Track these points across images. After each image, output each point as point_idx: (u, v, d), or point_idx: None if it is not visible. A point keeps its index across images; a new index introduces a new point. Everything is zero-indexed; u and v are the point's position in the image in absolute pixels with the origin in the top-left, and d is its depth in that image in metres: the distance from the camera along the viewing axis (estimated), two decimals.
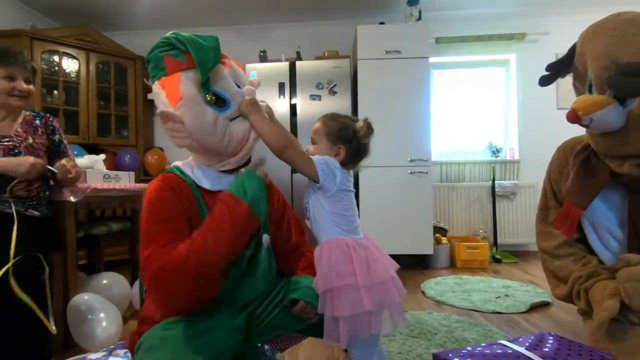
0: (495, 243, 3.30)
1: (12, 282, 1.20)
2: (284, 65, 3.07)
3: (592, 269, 0.97)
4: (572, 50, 0.96)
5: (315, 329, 1.04)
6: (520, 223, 3.42)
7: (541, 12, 3.48)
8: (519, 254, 3.31)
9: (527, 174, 3.45)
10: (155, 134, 3.80)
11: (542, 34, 3.45)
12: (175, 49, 0.87)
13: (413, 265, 2.98)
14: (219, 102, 0.89)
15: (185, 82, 0.84)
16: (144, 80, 3.49)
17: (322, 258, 0.95)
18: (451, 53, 3.58)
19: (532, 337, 0.93)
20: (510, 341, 0.93)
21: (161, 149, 3.61)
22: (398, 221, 2.92)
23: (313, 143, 1.07)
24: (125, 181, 1.93)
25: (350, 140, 1.01)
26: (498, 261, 3.15)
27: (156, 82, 0.88)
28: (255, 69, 3.05)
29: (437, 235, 3.10)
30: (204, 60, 0.85)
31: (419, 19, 3.10)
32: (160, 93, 0.87)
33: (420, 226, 2.93)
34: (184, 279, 0.75)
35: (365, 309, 0.87)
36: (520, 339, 0.93)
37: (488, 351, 0.86)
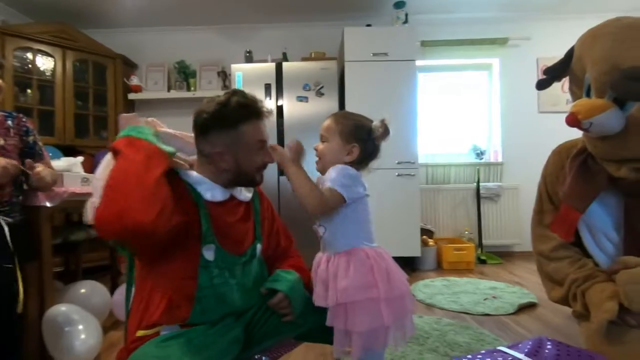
0: (480, 244, 3.34)
1: None
2: (270, 66, 3.02)
3: (588, 271, 0.97)
4: (570, 55, 0.96)
5: (312, 334, 1.03)
6: (504, 224, 3.47)
7: (523, 17, 3.56)
8: (503, 255, 3.36)
9: (510, 176, 3.51)
10: None
11: (523, 39, 3.52)
12: None
13: (401, 268, 2.97)
14: None
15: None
16: (124, 79, 3.38)
17: (338, 270, 0.91)
18: (436, 56, 3.61)
19: (531, 343, 0.92)
20: (509, 347, 0.91)
21: None
22: (385, 223, 2.91)
23: (323, 141, 1.03)
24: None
25: (364, 139, 0.98)
26: (483, 262, 3.19)
27: None
28: (241, 70, 2.99)
29: (424, 237, 3.10)
30: None
31: (406, 21, 3.11)
32: None
33: (408, 228, 2.93)
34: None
35: (384, 324, 0.84)
36: (520, 345, 0.92)
37: (489, 359, 0.85)
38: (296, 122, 2.95)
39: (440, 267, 3.04)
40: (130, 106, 3.55)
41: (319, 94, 2.97)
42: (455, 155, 3.68)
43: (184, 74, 3.54)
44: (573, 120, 0.82)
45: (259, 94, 2.95)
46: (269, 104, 2.97)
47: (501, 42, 3.55)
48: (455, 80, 3.79)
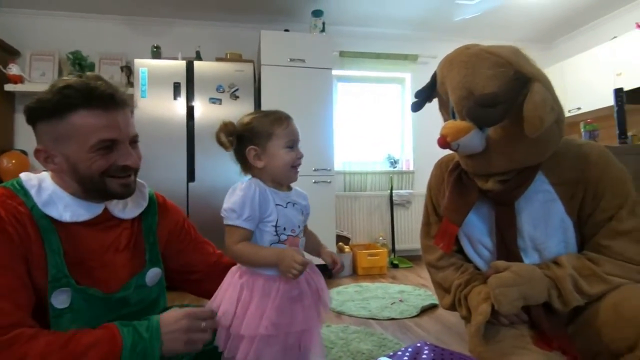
0: (393, 249, 3.47)
1: None
2: (181, 64, 2.81)
3: (468, 275, 1.01)
4: (434, 78, 1.01)
5: None
6: (415, 229, 3.67)
7: (431, 37, 3.84)
8: (413, 259, 3.54)
9: (421, 183, 3.73)
10: (16, 133, 3.14)
11: (431, 57, 3.80)
12: None
13: None
14: None
15: None
16: (0, 67, 2.87)
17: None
18: (354, 67, 3.72)
19: (410, 350, 0.92)
20: (389, 357, 0.90)
21: (23, 152, 2.99)
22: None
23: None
24: None
25: None
26: (395, 266, 3.32)
27: None
28: (146, 66, 2.73)
29: (340, 243, 3.13)
30: None
31: (323, 30, 3.15)
32: None
33: (324, 235, 2.88)
34: None
35: None
36: (399, 353, 0.92)
37: None
38: (208, 124, 2.77)
39: (355, 273, 3.09)
40: (8, 99, 3.03)
41: (234, 96, 2.84)
42: (372, 163, 3.81)
43: (80, 66, 3.12)
44: (443, 143, 0.88)
45: (166, 93, 2.75)
46: (179, 104, 2.76)
47: (412, 58, 3.79)
48: (372, 92, 3.95)
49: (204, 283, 0.99)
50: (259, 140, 0.84)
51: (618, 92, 1.89)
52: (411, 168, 3.81)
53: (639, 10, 3.26)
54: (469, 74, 0.85)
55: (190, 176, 2.70)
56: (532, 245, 0.90)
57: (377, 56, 3.72)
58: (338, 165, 3.55)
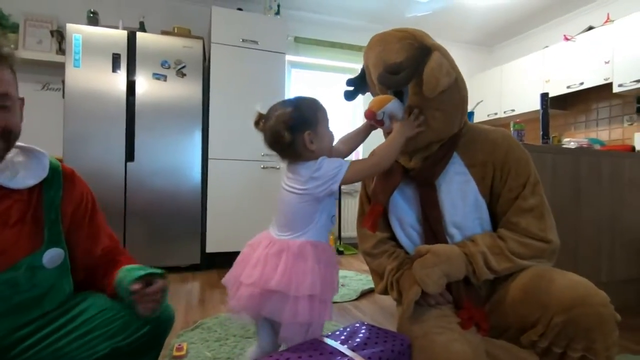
0: (339, 236, 3.56)
1: None
2: (121, 34, 2.60)
3: (400, 260, 1.06)
4: (364, 69, 1.09)
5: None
6: None
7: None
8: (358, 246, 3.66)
9: None
10: None
11: None
12: None
13: None
14: None
15: None
16: None
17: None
18: (308, 54, 3.70)
19: (348, 329, 0.96)
20: (327, 336, 0.93)
21: None
22: (248, 216, 2.84)
23: None
24: None
25: None
26: (341, 253, 3.41)
27: None
28: (80, 32, 2.49)
29: None
30: None
31: (278, 13, 3.08)
32: None
33: (270, 221, 2.90)
34: None
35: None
36: (337, 333, 0.95)
37: (305, 348, 0.85)
38: (151, 101, 2.61)
39: None
40: None
41: (181, 74, 2.69)
42: None
43: (1, 26, 2.78)
44: (370, 114, 0.96)
45: (104, 64, 2.53)
46: (118, 78, 2.56)
47: None
48: (327, 80, 3.96)
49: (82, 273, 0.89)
50: (309, 126, 0.89)
51: (544, 97, 2.07)
52: (360, 157, 3.91)
53: (567, 23, 3.59)
54: (382, 50, 0.96)
55: (130, 155, 2.53)
56: (453, 224, 0.97)
57: (332, 45, 3.73)
58: None
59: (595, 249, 1.87)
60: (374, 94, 1.07)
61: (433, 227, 0.97)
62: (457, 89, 0.95)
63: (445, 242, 0.96)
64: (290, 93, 3.69)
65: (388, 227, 1.09)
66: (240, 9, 3.01)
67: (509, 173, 0.95)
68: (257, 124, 0.94)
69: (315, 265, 0.86)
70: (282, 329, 0.84)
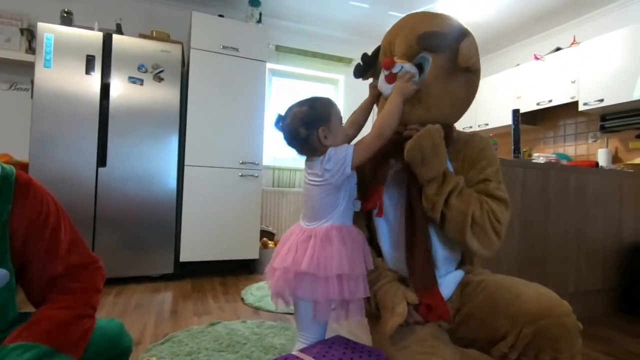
0: None
1: None
2: (97, 35, 2.53)
3: (378, 271, 1.03)
4: (378, 49, 1.10)
5: None
6: None
7: (366, 42, 3.95)
8: None
9: None
10: None
11: None
12: None
13: (238, 271, 2.90)
14: None
15: None
16: None
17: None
18: (289, 63, 3.71)
19: (322, 345, 0.94)
20: (302, 351, 0.92)
21: None
22: (224, 225, 2.79)
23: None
24: None
25: None
26: None
27: None
28: (52, 32, 2.40)
29: (264, 239, 3.11)
30: None
31: (259, 21, 3.09)
32: None
33: (248, 230, 2.87)
34: None
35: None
36: (312, 347, 0.93)
37: None
38: (126, 105, 2.54)
39: None
40: None
41: (158, 78, 2.64)
42: (303, 159, 3.83)
43: None
44: (389, 62, 0.97)
45: (77, 66, 2.45)
46: (92, 80, 2.48)
47: (347, 61, 3.90)
48: (307, 90, 3.97)
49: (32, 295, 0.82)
50: (323, 122, 0.95)
51: (515, 113, 2.16)
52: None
53: (537, 43, 3.77)
54: (419, 20, 1.00)
55: (101, 160, 2.45)
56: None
57: (313, 55, 3.76)
58: (268, 160, 3.52)
59: (563, 261, 1.94)
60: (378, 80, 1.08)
61: (413, 204, 0.96)
62: (472, 82, 1.00)
63: (424, 215, 0.95)
64: (271, 101, 3.68)
65: (367, 230, 1.07)
66: (221, 16, 2.99)
67: (479, 161, 0.97)
68: (277, 124, 1.01)
69: (341, 246, 0.91)
70: (316, 309, 0.91)
